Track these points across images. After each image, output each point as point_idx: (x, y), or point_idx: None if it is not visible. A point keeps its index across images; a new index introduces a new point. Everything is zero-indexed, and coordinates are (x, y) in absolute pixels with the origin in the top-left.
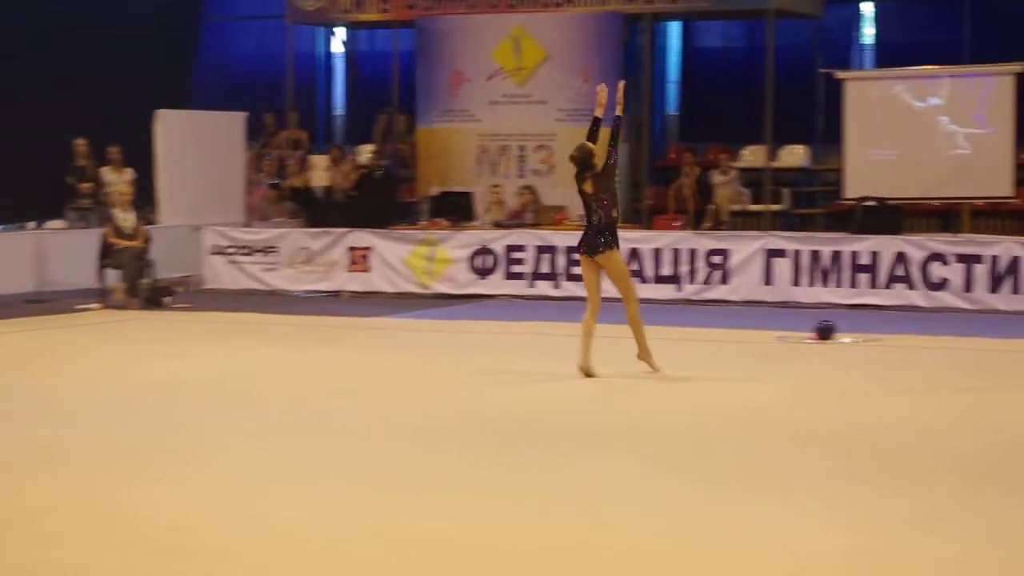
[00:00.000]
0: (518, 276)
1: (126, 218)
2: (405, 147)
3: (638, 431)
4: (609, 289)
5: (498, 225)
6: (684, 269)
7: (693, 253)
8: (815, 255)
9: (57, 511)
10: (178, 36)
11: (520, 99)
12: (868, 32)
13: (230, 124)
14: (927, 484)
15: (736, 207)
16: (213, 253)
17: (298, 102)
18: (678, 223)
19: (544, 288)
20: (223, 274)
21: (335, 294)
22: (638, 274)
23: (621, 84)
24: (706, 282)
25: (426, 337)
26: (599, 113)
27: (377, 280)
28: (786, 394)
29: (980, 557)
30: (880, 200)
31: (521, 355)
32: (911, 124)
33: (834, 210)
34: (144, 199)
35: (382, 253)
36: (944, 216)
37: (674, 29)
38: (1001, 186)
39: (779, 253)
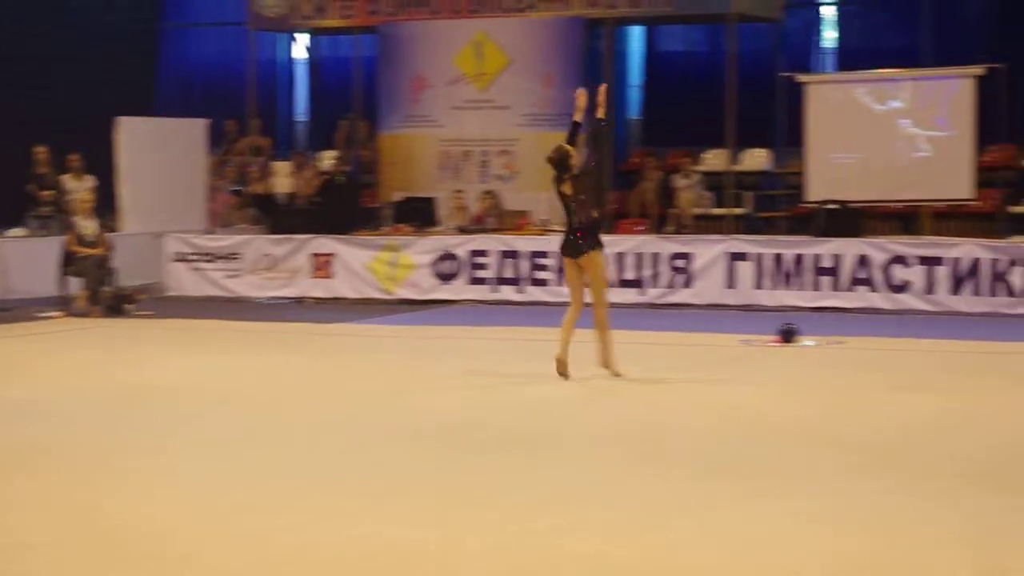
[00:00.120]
0: (481, 281)
1: (88, 226)
2: (367, 153)
3: (611, 434)
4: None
5: (461, 230)
6: (647, 273)
7: (656, 257)
8: (778, 258)
9: (21, 516)
10: (138, 43)
11: (482, 104)
12: (829, 36)
13: (191, 131)
14: (917, 482)
15: (699, 211)
16: (175, 260)
17: (260, 108)
18: (641, 227)
19: (507, 293)
20: (186, 281)
21: (298, 300)
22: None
23: (602, 87)
24: (669, 286)
25: (390, 342)
26: (578, 117)
27: (340, 286)
28: (753, 396)
29: (967, 555)
30: (842, 203)
31: (487, 360)
32: (872, 127)
33: (796, 213)
34: (106, 207)
35: (345, 259)
36: (905, 218)
37: (636, 34)
38: (962, 188)
39: (742, 256)
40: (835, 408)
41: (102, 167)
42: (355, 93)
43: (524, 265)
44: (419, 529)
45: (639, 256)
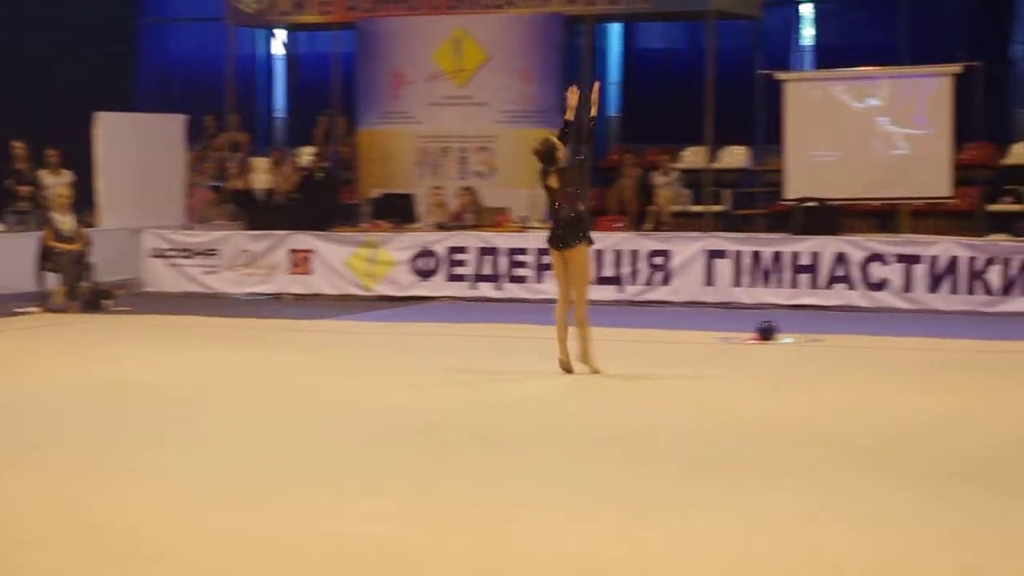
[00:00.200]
0: (460, 278)
1: (65, 221)
2: (346, 149)
3: (592, 432)
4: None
5: (440, 227)
6: (626, 270)
7: (635, 254)
8: (756, 256)
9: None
10: (117, 38)
11: (461, 101)
12: (808, 34)
13: (170, 126)
14: (903, 479)
15: (677, 208)
16: (153, 256)
17: (238, 104)
18: (619, 224)
19: (486, 290)
20: (163, 277)
21: (277, 296)
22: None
23: (596, 85)
24: (648, 283)
25: (369, 339)
26: (569, 116)
27: (319, 282)
28: (733, 393)
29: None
30: (820, 201)
31: (466, 357)
32: (850, 125)
33: (775, 211)
34: (83, 202)
35: (324, 255)
36: (883, 216)
37: (615, 31)
38: (939, 186)
39: (720, 254)
40: (815, 405)
41: (80, 162)
42: (333, 89)
43: (503, 262)
44: (400, 527)
45: (617, 253)
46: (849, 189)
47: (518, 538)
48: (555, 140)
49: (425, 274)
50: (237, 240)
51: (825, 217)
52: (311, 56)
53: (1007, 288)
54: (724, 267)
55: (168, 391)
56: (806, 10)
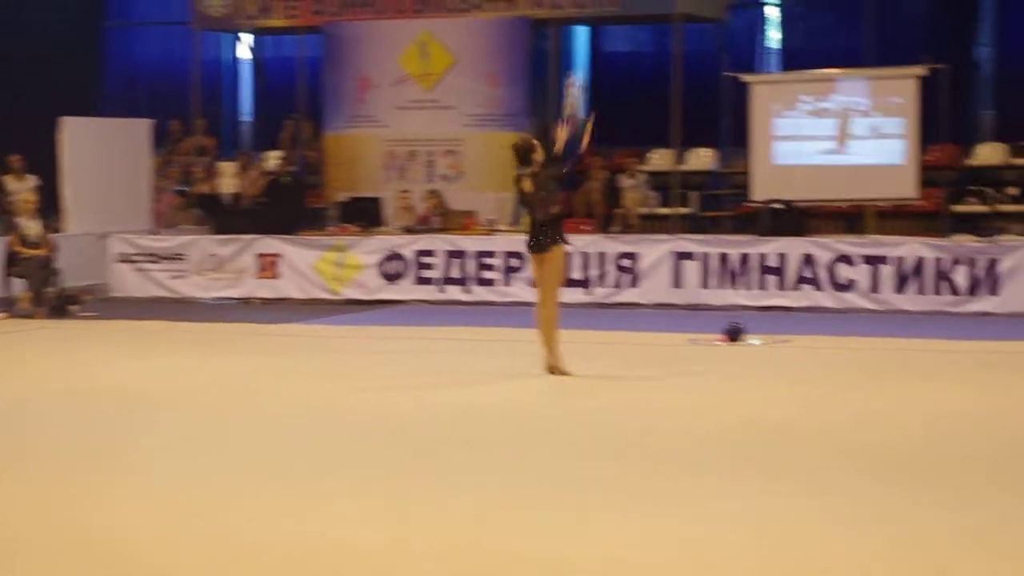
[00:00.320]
0: (428, 281)
1: (31, 226)
2: (312, 153)
3: (561, 435)
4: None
5: (407, 230)
6: (594, 273)
7: (603, 257)
8: (723, 257)
9: None
10: (82, 43)
11: (428, 104)
12: (773, 36)
13: (136, 131)
14: (872, 478)
15: (644, 210)
16: (120, 261)
17: (204, 109)
18: (587, 227)
19: (454, 293)
20: (130, 282)
21: (244, 301)
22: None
23: (591, 119)
24: (616, 285)
25: (337, 343)
26: (558, 148)
27: (286, 286)
28: (702, 394)
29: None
30: (787, 203)
31: (435, 360)
32: (817, 127)
33: (742, 213)
34: (49, 207)
35: (291, 259)
36: (849, 218)
37: (581, 34)
38: (905, 188)
39: (688, 256)
40: (783, 405)
41: (46, 167)
42: (300, 93)
43: (471, 265)
44: (372, 529)
45: (585, 256)
46: (815, 191)
47: (490, 541)
48: (535, 142)
49: (393, 278)
50: (204, 244)
51: (792, 219)
52: (277, 60)
53: (973, 288)
54: (692, 269)
55: (138, 396)
56: (771, 12)
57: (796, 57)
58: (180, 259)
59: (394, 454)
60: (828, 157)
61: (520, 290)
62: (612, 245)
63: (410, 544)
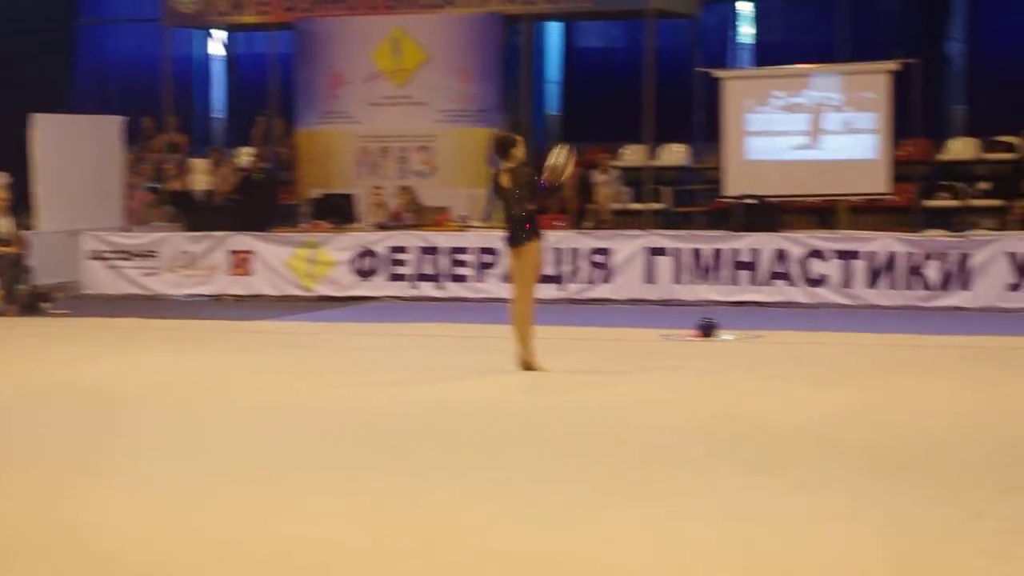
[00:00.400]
0: (401, 278)
1: (2, 224)
2: (284, 150)
3: (536, 430)
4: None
5: (380, 227)
6: (567, 268)
7: (576, 252)
8: (696, 253)
9: None
10: (54, 40)
11: (400, 100)
12: (746, 31)
13: (108, 128)
14: (833, 478)
15: (617, 206)
16: (92, 258)
17: (176, 105)
18: (560, 223)
19: (427, 289)
20: (103, 279)
21: (217, 298)
22: None
23: (572, 154)
24: (589, 281)
25: (311, 340)
26: (545, 176)
27: (259, 283)
28: (676, 389)
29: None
30: (759, 198)
31: (408, 356)
32: (789, 122)
33: (714, 208)
34: (21, 205)
35: (264, 256)
36: (822, 213)
37: (554, 29)
38: (878, 183)
39: (661, 251)
40: (758, 401)
41: (17, 165)
42: (272, 90)
43: (444, 261)
44: (346, 526)
45: (558, 251)
46: (788, 186)
47: (466, 536)
48: (518, 137)
49: (366, 274)
50: (176, 241)
51: (764, 214)
52: (249, 56)
53: (944, 283)
54: (665, 264)
55: (113, 394)
56: (744, 8)
57: (768, 52)
58: (152, 256)
59: (369, 450)
60: (801, 152)
61: (493, 286)
62: (585, 241)
63: (384, 541)
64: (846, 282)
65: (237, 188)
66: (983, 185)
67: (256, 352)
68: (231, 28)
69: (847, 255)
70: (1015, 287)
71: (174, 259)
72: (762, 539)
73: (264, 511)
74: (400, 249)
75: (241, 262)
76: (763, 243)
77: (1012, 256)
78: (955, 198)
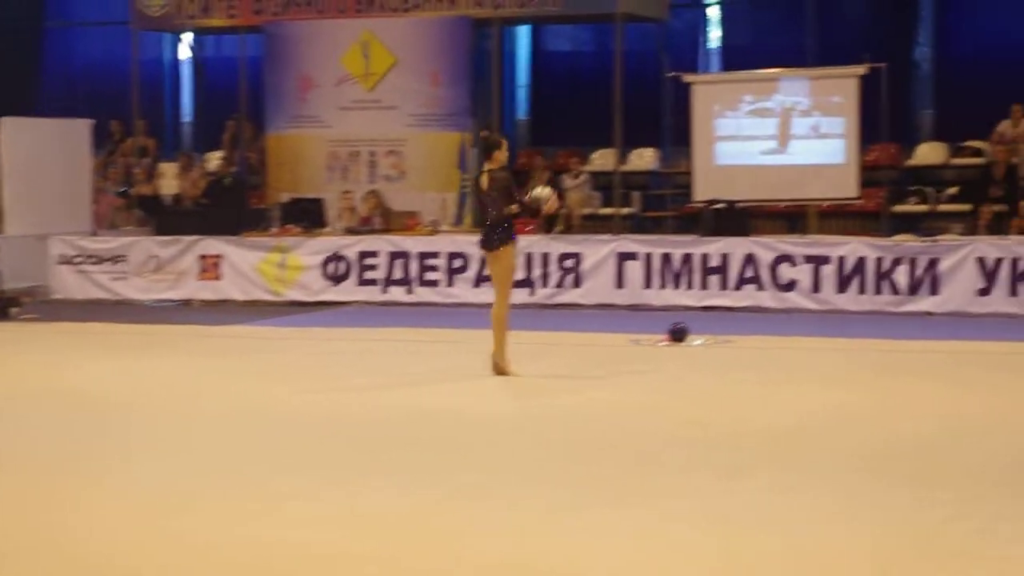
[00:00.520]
0: (371, 282)
1: None
2: (254, 154)
3: (508, 434)
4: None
5: (350, 231)
6: (537, 273)
7: (545, 257)
8: (666, 258)
9: None
10: (21, 42)
11: (370, 105)
12: (715, 36)
13: (76, 132)
14: (828, 479)
15: (587, 211)
16: (60, 263)
17: (145, 109)
18: (530, 227)
19: (397, 294)
20: (71, 284)
21: (186, 302)
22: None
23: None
24: (559, 286)
25: (281, 344)
26: (526, 199)
27: (228, 288)
28: (647, 394)
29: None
30: (729, 203)
31: (379, 361)
32: (758, 127)
33: (684, 213)
34: None
35: (233, 261)
36: (791, 218)
37: (523, 33)
38: (847, 187)
39: (630, 256)
40: (729, 405)
41: None
42: (241, 93)
43: (414, 266)
44: (324, 531)
45: (528, 256)
46: (757, 191)
47: (441, 541)
48: (503, 141)
49: (336, 279)
50: (145, 246)
51: (734, 219)
52: (218, 60)
53: (913, 288)
54: (634, 269)
55: (83, 399)
56: (713, 12)
57: (737, 57)
58: (121, 261)
59: (346, 455)
60: (770, 157)
61: (463, 291)
62: (555, 245)
63: (362, 545)
64: (815, 287)
65: (206, 192)
66: (951, 190)
67: (228, 357)
68: (199, 31)
69: (817, 260)
70: (984, 292)
71: (143, 263)
72: (745, 540)
73: (245, 515)
74: (370, 254)
75: (210, 267)
76: (733, 248)
77: (981, 261)
78: (923, 203)
